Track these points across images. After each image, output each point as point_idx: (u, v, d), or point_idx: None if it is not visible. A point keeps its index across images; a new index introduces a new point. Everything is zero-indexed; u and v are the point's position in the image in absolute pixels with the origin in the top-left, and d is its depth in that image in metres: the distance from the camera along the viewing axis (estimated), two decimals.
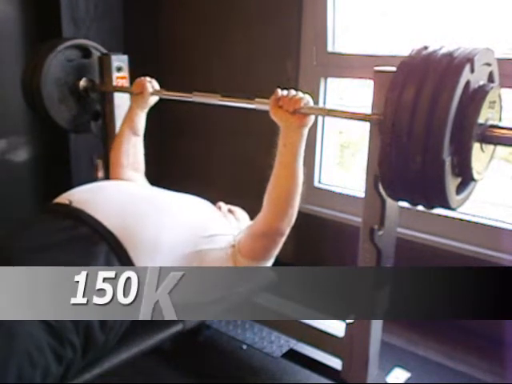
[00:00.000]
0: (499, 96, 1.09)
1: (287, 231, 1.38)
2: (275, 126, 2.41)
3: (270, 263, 1.47)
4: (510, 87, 1.73)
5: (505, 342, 1.75)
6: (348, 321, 1.46)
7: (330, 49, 2.13)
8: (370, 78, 1.26)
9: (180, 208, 1.42)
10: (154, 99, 1.73)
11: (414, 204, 1.16)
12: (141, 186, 1.62)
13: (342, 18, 2.11)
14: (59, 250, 1.14)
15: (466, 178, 1.07)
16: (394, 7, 2.07)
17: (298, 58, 2.21)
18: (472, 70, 0.97)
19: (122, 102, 2.47)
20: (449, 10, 1.89)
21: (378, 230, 1.28)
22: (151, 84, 1.71)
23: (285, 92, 1.30)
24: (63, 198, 1.35)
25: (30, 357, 0.98)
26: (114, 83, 2.41)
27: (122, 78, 2.45)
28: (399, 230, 1.37)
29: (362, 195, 1.31)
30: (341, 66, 2.11)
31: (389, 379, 1.60)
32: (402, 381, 1.62)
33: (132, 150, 1.69)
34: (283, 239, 1.39)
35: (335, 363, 1.56)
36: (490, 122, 1.05)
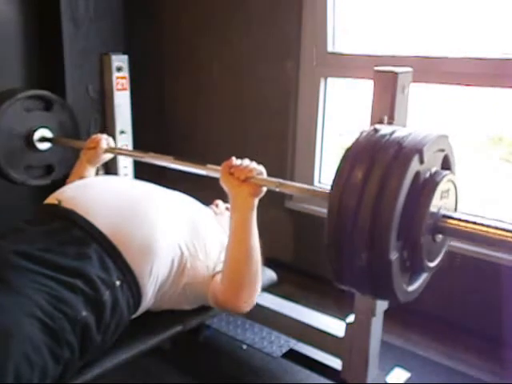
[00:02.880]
0: (454, 183, 1.01)
1: (250, 303, 1.31)
2: (274, 127, 2.41)
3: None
4: (510, 87, 1.74)
5: (505, 341, 1.75)
6: (348, 321, 1.46)
7: (330, 49, 2.13)
8: (370, 78, 1.26)
9: (172, 208, 1.39)
10: (107, 156, 1.69)
11: (364, 295, 1.11)
12: (131, 183, 1.58)
13: (341, 17, 2.11)
14: (53, 253, 1.13)
15: (418, 270, 1.01)
16: (394, 7, 2.07)
17: (297, 58, 2.21)
18: (421, 161, 0.90)
19: (122, 101, 2.49)
20: (449, 9, 1.89)
21: None
22: (107, 141, 1.68)
23: (238, 161, 1.26)
24: (52, 198, 1.34)
25: (28, 357, 0.97)
26: (114, 83, 2.43)
27: (122, 77, 2.47)
28: None
29: None
30: (341, 66, 2.11)
31: (389, 379, 1.59)
32: (402, 381, 1.62)
33: None
34: (249, 305, 1.32)
35: (335, 363, 1.56)
36: (443, 212, 0.97)
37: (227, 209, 1.62)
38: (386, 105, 1.23)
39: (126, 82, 2.48)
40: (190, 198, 1.52)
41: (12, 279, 1.05)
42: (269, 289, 1.73)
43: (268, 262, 1.64)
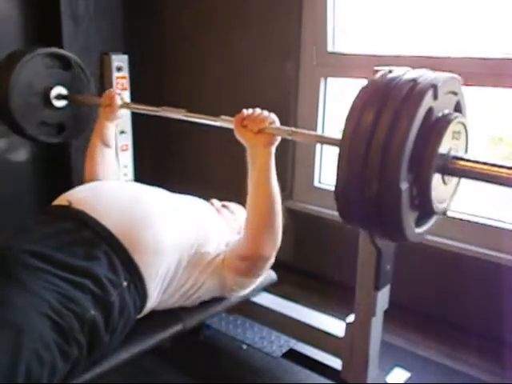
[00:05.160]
0: (465, 126, 1.04)
1: (272, 255, 1.35)
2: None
3: (257, 280, 1.45)
4: (510, 87, 1.74)
5: (505, 341, 1.75)
6: (348, 321, 1.46)
7: (330, 49, 2.13)
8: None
9: (179, 209, 1.42)
10: (123, 112, 1.74)
11: (372, 234, 1.14)
12: (138, 186, 1.61)
13: (341, 17, 2.11)
14: (63, 253, 1.15)
15: (427, 211, 1.01)
16: (395, 7, 2.06)
17: (297, 58, 2.21)
18: (435, 97, 0.92)
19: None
20: (450, 9, 1.89)
21: None
22: (120, 96, 1.71)
23: (250, 111, 1.28)
24: (62, 200, 1.36)
25: (38, 355, 0.99)
26: (114, 83, 2.43)
27: (122, 77, 2.47)
28: None
29: None
30: (341, 66, 2.11)
31: (389, 379, 1.59)
32: (402, 381, 1.62)
33: (106, 162, 1.69)
34: (269, 263, 1.37)
35: (335, 363, 1.56)
36: (454, 153, 0.99)
37: (223, 206, 1.64)
38: None
39: (126, 82, 2.48)
40: (195, 199, 1.54)
41: (23, 278, 1.07)
42: (269, 289, 1.73)
43: None
